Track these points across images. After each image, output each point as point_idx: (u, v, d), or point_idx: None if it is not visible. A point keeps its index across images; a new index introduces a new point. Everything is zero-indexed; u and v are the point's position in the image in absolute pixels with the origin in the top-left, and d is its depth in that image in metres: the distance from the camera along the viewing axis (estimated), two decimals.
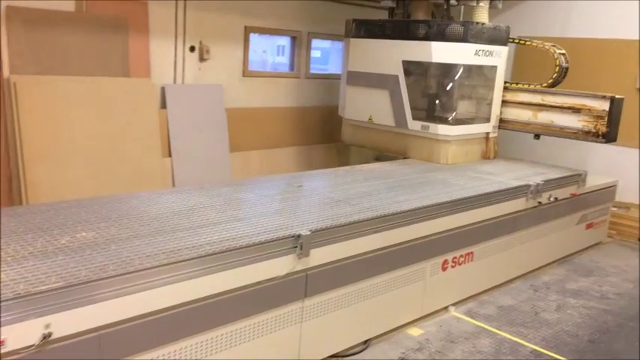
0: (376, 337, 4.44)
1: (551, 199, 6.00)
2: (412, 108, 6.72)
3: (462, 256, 5.09)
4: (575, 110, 6.54)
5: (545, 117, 6.77)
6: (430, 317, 4.91)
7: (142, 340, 2.95)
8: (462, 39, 6.31)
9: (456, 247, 5.00)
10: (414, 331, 4.66)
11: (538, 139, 7.12)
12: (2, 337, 2.40)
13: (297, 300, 3.74)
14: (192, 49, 6.85)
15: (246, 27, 7.33)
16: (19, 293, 2.51)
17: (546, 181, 5.97)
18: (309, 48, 8.11)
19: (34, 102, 5.49)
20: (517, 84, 7.15)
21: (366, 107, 7.09)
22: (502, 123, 7.12)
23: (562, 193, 6.21)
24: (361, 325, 4.29)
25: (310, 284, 3.78)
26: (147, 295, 2.93)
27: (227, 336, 3.35)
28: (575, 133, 6.61)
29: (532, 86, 6.98)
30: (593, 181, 6.88)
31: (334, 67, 8.91)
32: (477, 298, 5.40)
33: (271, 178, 5.51)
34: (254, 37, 7.59)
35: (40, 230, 3.34)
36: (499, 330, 4.82)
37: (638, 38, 7.53)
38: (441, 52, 6.42)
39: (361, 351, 4.27)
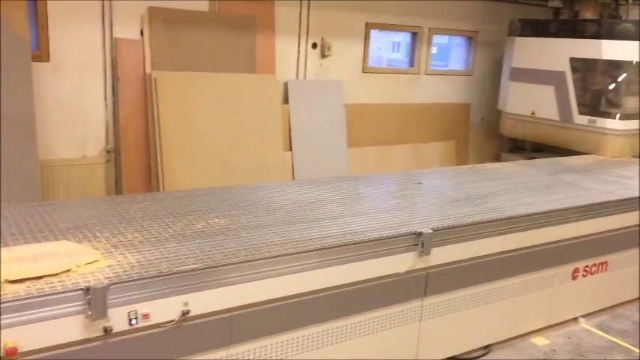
0: (498, 343, 4.27)
1: None
2: (578, 103, 7.03)
3: (594, 265, 4.74)
4: None
5: None
6: (557, 327, 4.63)
7: (268, 325, 3.06)
8: (634, 37, 6.54)
9: (588, 255, 4.66)
10: (539, 341, 4.42)
11: None
12: (147, 311, 2.60)
13: (416, 298, 3.69)
14: (314, 45, 7.00)
15: (367, 23, 7.35)
16: (162, 272, 2.70)
17: None
18: (429, 44, 7.97)
19: (172, 97, 5.89)
20: None
21: (529, 102, 7.47)
22: None
23: None
24: (482, 329, 4.14)
25: (430, 283, 3.72)
26: (274, 282, 3.03)
27: (346, 328, 3.39)
28: None
29: None
30: None
31: (455, 63, 8.67)
32: (610, 311, 5.01)
33: (389, 175, 5.47)
34: (373, 34, 7.58)
35: (179, 215, 3.58)
36: (635, 347, 4.44)
37: None
38: (612, 49, 6.70)
39: (481, 356, 4.13)
